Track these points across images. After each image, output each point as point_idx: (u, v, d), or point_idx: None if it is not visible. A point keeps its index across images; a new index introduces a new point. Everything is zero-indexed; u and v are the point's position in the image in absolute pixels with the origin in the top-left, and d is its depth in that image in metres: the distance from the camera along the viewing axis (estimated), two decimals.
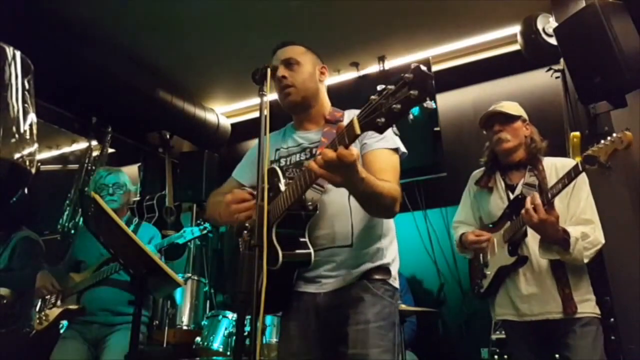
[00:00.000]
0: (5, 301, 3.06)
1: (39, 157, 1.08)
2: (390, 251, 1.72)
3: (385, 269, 1.67)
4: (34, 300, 2.89)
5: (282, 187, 1.58)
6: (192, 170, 4.51)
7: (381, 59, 4.25)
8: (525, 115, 2.31)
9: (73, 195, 4.26)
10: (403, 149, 1.69)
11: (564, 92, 3.21)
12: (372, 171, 1.50)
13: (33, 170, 1.00)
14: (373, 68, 4.35)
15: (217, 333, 3.15)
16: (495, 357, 2.80)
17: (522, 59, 3.53)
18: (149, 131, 4.76)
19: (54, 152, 5.56)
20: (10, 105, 0.98)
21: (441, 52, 4.16)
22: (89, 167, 4.32)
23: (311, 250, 1.57)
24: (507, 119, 2.26)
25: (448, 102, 4.15)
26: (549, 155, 2.26)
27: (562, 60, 3.09)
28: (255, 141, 1.49)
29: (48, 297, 2.76)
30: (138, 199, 4.56)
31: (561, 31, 2.87)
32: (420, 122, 3.58)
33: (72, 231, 4.07)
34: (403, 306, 2.99)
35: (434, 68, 4.08)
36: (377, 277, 1.65)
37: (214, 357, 3.06)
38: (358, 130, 1.21)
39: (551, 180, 2.11)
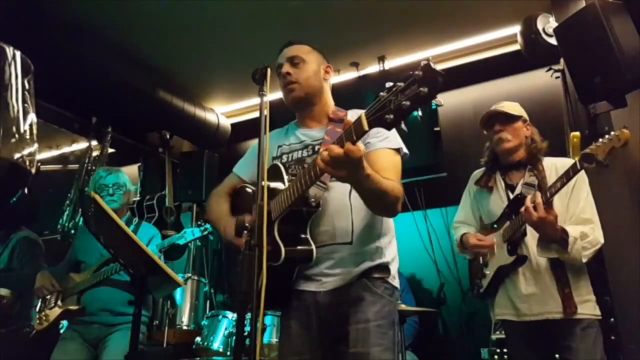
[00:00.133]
0: (5, 301, 3.05)
1: (39, 157, 1.08)
2: (390, 250, 1.73)
3: (384, 268, 1.68)
4: (33, 301, 2.89)
5: (285, 184, 1.58)
6: (192, 170, 4.50)
7: (381, 59, 4.24)
8: (525, 116, 2.31)
9: (73, 195, 4.26)
10: (405, 149, 1.70)
11: (564, 92, 3.20)
12: (375, 170, 1.50)
13: (33, 170, 1.00)
14: (373, 68, 4.35)
15: (217, 333, 3.14)
16: (495, 357, 2.80)
17: (522, 59, 3.53)
18: (148, 131, 4.74)
19: (54, 152, 5.56)
20: (10, 105, 0.98)
21: (441, 52, 4.15)
22: (89, 167, 4.32)
23: (313, 247, 1.57)
24: (508, 119, 2.26)
25: (448, 102, 4.05)
26: (549, 155, 2.26)
27: (562, 60, 3.09)
28: (256, 140, 1.49)
29: (48, 297, 2.75)
30: (138, 199, 4.56)
31: (561, 31, 2.87)
32: (420, 122, 3.58)
33: (72, 231, 4.07)
34: (403, 306, 2.98)
35: None
36: (376, 275, 1.65)
37: (214, 357, 3.06)
38: (366, 127, 1.21)
39: (551, 180, 2.11)
